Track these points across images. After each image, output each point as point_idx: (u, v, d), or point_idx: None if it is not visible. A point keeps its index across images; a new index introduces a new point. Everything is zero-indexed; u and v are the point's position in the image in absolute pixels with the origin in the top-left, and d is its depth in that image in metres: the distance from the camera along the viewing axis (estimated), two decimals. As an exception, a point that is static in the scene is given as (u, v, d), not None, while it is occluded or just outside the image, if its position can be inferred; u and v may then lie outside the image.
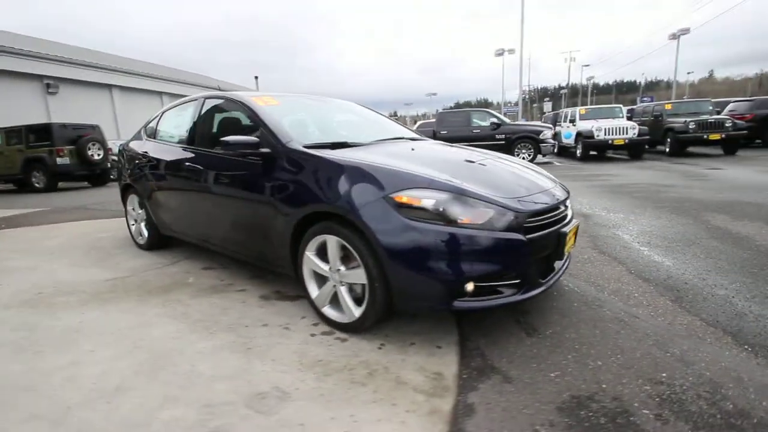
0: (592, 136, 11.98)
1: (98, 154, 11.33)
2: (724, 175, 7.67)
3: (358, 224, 1.95)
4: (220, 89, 3.88)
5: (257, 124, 2.59)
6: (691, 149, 12.85)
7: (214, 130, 3.04)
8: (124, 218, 4.23)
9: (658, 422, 1.45)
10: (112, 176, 11.84)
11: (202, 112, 3.13)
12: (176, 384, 1.78)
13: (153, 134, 3.71)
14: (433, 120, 14.65)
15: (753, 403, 1.53)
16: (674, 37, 29.84)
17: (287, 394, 1.70)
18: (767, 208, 4.68)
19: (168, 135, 3.49)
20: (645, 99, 33.63)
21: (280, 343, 2.12)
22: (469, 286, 1.85)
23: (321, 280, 2.30)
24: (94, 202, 8.09)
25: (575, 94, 58.98)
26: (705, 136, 11.23)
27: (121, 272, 3.31)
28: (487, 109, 13.95)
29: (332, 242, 2.11)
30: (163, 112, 3.72)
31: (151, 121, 3.82)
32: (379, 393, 1.69)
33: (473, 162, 2.42)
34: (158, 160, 3.39)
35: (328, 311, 2.26)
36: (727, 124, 11.18)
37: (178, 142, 3.30)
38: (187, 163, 3.01)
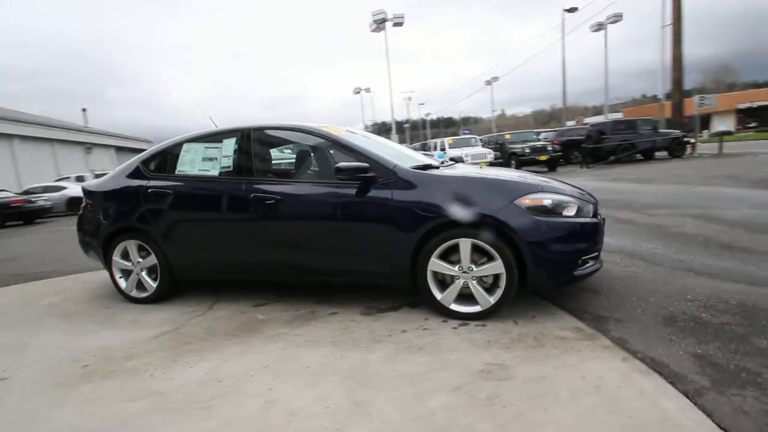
0: (462, 161, 14.46)
1: None
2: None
3: (497, 225, 2.45)
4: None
5: (350, 152, 2.81)
6: (526, 168, 16.63)
7: (278, 161, 3.05)
8: (59, 278, 3.53)
9: (703, 313, 2.37)
10: None
11: (253, 143, 3.08)
12: (408, 384, 1.93)
13: (165, 169, 3.32)
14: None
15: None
16: (489, 83, 38.10)
17: (503, 365, 2.05)
18: (617, 201, 6.75)
19: (197, 168, 3.21)
20: (465, 131, 40.93)
21: (439, 338, 2.40)
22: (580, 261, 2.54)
23: (440, 283, 2.66)
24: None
25: (415, 127, 68.20)
26: (537, 157, 14.81)
27: (159, 327, 2.87)
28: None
29: (466, 244, 2.53)
30: (174, 146, 3.36)
31: (152, 158, 3.40)
32: (559, 348, 2.19)
33: (527, 176, 3.14)
34: (191, 195, 3.11)
35: (456, 307, 2.62)
36: (549, 149, 15.00)
37: (221, 175, 3.11)
38: (252, 195, 2.91)
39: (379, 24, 21.50)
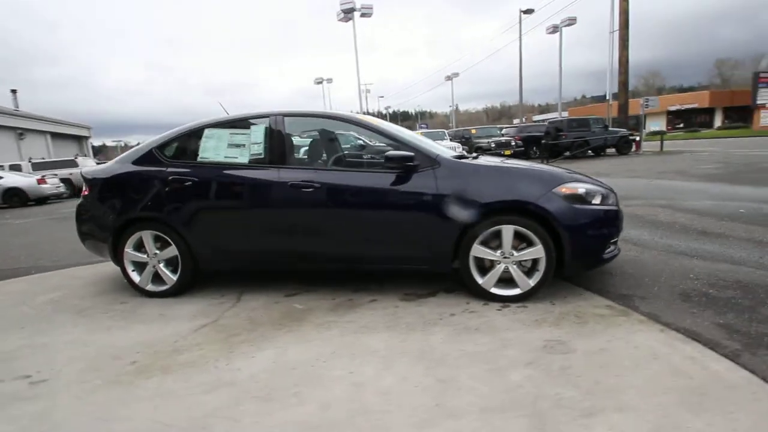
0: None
1: None
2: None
3: (539, 212, 2.61)
4: None
5: (392, 140, 2.85)
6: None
7: (313, 148, 3.01)
8: (42, 274, 3.29)
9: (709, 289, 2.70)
10: None
11: (285, 130, 3.01)
12: (480, 362, 2.04)
13: (185, 155, 3.15)
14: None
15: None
16: (449, 78, 38.89)
17: (560, 340, 2.22)
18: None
19: (222, 155, 3.07)
20: (422, 125, 41.69)
21: (489, 319, 2.53)
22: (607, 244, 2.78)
23: (481, 268, 2.79)
24: None
25: (373, 120, 68.75)
26: (501, 152, 15.45)
27: (194, 320, 2.76)
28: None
29: (508, 230, 2.67)
30: (193, 132, 3.19)
31: (167, 143, 3.20)
32: (602, 324, 2.40)
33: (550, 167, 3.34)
34: (219, 183, 3.00)
35: (497, 290, 2.77)
36: (512, 144, 15.72)
37: (251, 162, 3.01)
38: (290, 183, 2.86)
39: (347, 14, 21.22)
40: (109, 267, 4.19)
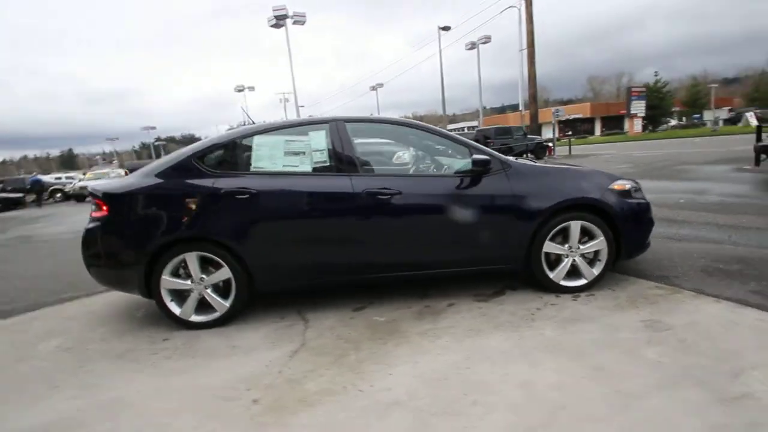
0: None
1: None
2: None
3: (602, 207, 2.89)
4: None
5: (463, 146, 2.91)
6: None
7: (378, 155, 2.93)
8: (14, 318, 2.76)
9: (720, 265, 3.25)
10: None
11: (349, 136, 2.88)
12: (606, 347, 2.20)
13: (234, 166, 2.81)
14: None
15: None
16: (374, 89, 39.84)
17: (653, 319, 2.48)
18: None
19: (280, 164, 2.80)
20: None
21: (574, 309, 2.72)
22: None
23: (548, 263, 2.97)
24: None
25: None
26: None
27: (276, 348, 2.48)
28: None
29: (576, 226, 2.90)
30: (239, 139, 2.86)
31: (208, 152, 2.83)
32: (670, 302, 2.73)
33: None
34: (282, 194, 2.75)
35: (566, 282, 2.98)
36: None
37: (315, 171, 2.81)
38: (364, 191, 2.74)
39: (280, 20, 20.46)
40: (101, 300, 3.58)
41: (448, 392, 1.89)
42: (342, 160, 2.85)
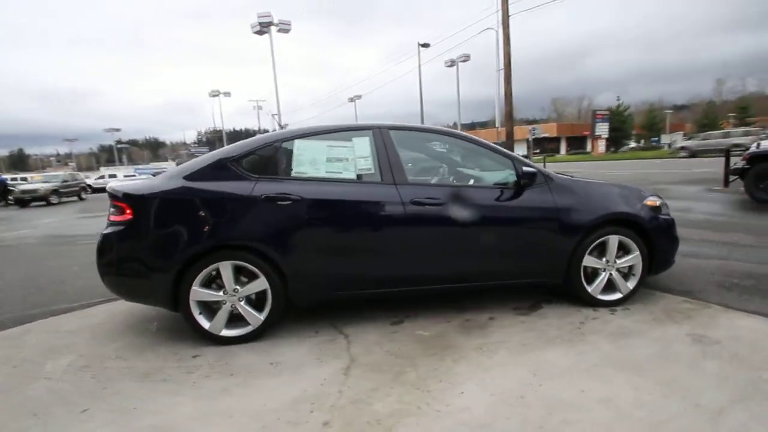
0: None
1: None
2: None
3: (639, 222, 2.94)
4: None
5: (506, 158, 2.90)
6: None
7: (422, 163, 2.86)
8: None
9: (735, 280, 3.39)
10: None
11: (395, 144, 2.79)
12: (663, 360, 2.20)
13: (275, 170, 2.64)
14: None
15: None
16: (352, 100, 39.94)
17: (696, 333, 2.52)
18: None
19: (323, 170, 2.67)
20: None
21: (617, 323, 2.73)
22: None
23: (585, 276, 2.99)
24: None
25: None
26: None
27: (323, 365, 2.32)
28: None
29: (614, 240, 2.94)
30: (279, 143, 2.70)
31: (247, 156, 2.65)
32: (705, 316, 2.79)
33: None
34: (327, 202, 2.61)
35: (603, 296, 3.00)
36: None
37: (360, 178, 2.70)
38: (411, 200, 2.65)
39: (264, 27, 20.12)
40: (101, 312, 3.28)
41: (532, 412, 1.82)
42: (388, 168, 2.75)
